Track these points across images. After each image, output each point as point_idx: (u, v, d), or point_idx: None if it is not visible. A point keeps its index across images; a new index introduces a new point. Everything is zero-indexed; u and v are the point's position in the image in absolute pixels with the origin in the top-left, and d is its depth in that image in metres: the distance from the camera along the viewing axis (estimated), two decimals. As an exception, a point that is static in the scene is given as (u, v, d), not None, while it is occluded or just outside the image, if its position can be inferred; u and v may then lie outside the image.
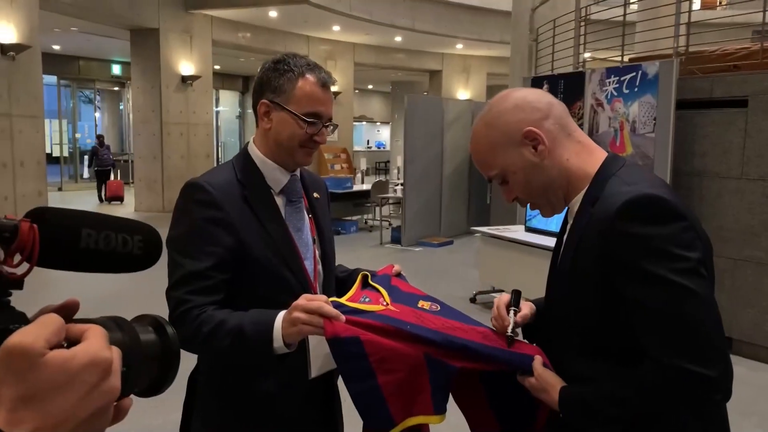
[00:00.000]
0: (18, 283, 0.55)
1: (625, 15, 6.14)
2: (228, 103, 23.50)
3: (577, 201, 1.27)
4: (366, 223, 11.81)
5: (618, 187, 1.18)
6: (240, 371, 1.54)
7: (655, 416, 1.17)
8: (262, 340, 1.33)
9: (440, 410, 1.31)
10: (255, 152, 1.58)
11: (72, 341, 0.51)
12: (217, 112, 22.51)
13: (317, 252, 1.63)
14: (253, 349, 1.35)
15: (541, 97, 1.28)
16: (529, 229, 5.96)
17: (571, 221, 1.29)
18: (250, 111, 23.22)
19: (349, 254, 8.75)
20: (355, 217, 11.33)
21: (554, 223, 5.67)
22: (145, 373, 0.61)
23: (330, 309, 1.28)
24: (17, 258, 0.54)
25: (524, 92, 1.30)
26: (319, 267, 1.63)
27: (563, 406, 1.23)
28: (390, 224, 10.90)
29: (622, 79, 5.42)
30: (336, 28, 15.22)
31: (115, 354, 0.53)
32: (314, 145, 1.56)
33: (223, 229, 1.45)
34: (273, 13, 13.70)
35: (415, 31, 15.26)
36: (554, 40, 7.34)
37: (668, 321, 1.10)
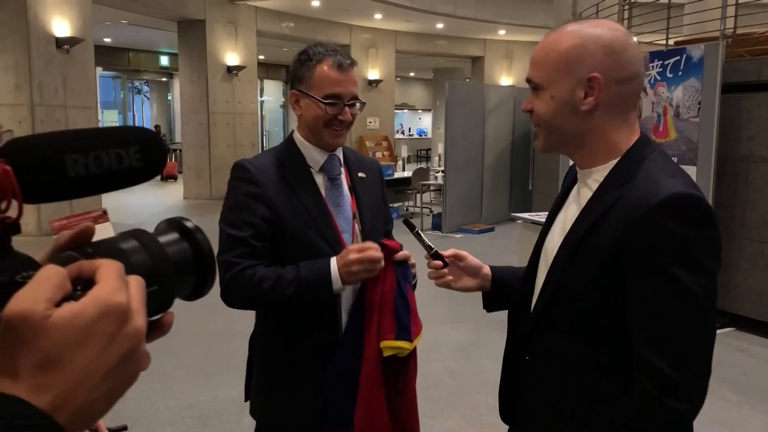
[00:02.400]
0: (15, 226, 0.51)
1: (670, -2, 6.04)
2: (272, 93, 23.81)
3: (598, 171, 1.23)
4: (407, 210, 11.89)
5: (657, 176, 1.14)
6: (278, 333, 1.73)
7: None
8: (321, 283, 1.55)
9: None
10: (297, 137, 1.77)
11: (86, 281, 0.49)
12: (262, 102, 22.84)
13: (357, 227, 1.77)
14: (313, 291, 1.56)
15: (635, 64, 1.19)
16: (570, 215, 5.95)
17: (590, 193, 1.23)
18: (293, 100, 23.45)
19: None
20: (396, 204, 11.42)
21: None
22: (182, 283, 0.58)
23: (379, 255, 1.55)
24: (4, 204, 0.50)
25: (629, 46, 1.19)
26: (358, 240, 1.75)
27: None
28: (431, 211, 10.96)
29: (666, 63, 5.35)
30: (378, 16, 15.26)
31: (134, 288, 0.50)
32: (340, 125, 1.70)
33: (260, 202, 1.63)
34: (315, 3, 13.82)
35: (456, 17, 15.18)
36: (597, 24, 7.25)
37: (669, 325, 1.09)
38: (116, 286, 0.48)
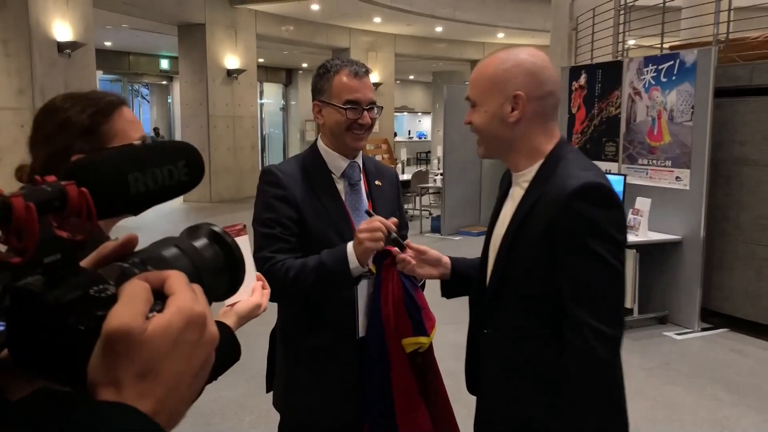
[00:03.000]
0: (84, 244, 0.54)
1: (664, 3, 6.11)
2: (272, 96, 23.87)
3: (527, 173, 1.49)
4: (406, 212, 11.92)
5: (572, 170, 1.39)
6: (298, 325, 1.85)
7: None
8: (340, 265, 1.66)
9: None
10: (321, 145, 1.90)
11: (156, 291, 0.52)
12: (262, 105, 22.91)
13: None
14: (334, 275, 1.67)
15: (551, 84, 1.46)
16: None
17: (522, 192, 1.48)
18: (293, 103, 23.58)
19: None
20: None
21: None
22: (218, 285, 0.62)
23: (385, 222, 1.65)
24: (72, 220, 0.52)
25: (545, 68, 1.46)
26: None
27: None
28: (430, 213, 11.03)
29: (660, 67, 5.42)
30: (377, 19, 15.36)
31: (200, 295, 0.53)
32: (360, 128, 1.83)
33: (286, 204, 1.77)
34: (315, 7, 13.90)
35: (455, 21, 15.28)
36: (594, 29, 7.33)
37: (592, 288, 1.34)
38: (192, 296, 0.52)
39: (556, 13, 9.31)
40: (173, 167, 0.61)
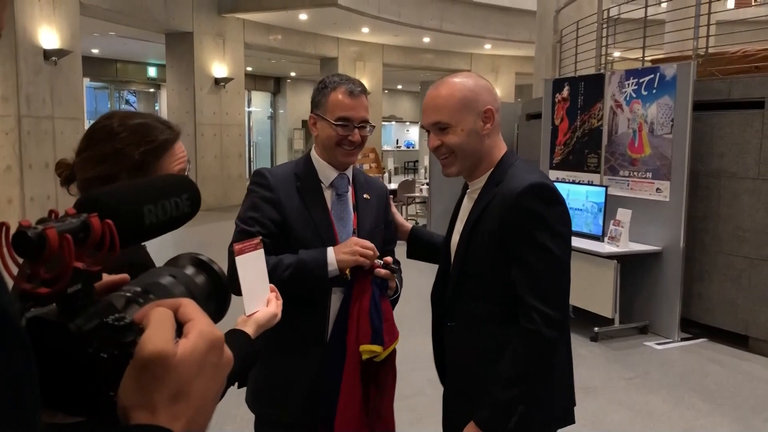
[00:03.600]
0: (99, 275, 0.56)
1: (646, 17, 6.22)
2: (260, 104, 23.88)
3: (480, 180, 1.69)
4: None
5: (520, 174, 1.61)
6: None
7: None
8: (319, 265, 1.75)
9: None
10: (314, 154, 1.99)
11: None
12: (250, 113, 22.90)
13: None
14: (310, 273, 1.75)
15: (499, 100, 1.71)
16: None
17: (475, 196, 1.69)
18: (282, 111, 23.60)
19: (375, 252, 8.93)
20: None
21: (577, 222, 5.80)
22: (208, 310, 0.63)
23: (372, 252, 1.78)
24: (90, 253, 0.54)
25: (495, 89, 1.72)
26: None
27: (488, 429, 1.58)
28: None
29: (640, 81, 5.51)
30: (365, 29, 15.43)
31: (212, 322, 0.56)
32: (350, 145, 1.91)
33: (272, 206, 1.84)
34: (303, 16, 13.96)
35: (442, 32, 15.38)
36: (578, 41, 7.43)
37: (541, 277, 1.54)
38: (209, 321, 0.55)
39: (540, 25, 9.42)
40: (179, 199, 0.65)
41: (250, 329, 1.43)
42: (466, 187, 1.80)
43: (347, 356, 1.81)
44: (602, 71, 6.45)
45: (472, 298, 1.66)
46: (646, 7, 6.26)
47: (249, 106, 22.57)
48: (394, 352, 1.92)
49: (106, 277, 0.60)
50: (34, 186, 8.96)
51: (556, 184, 6.08)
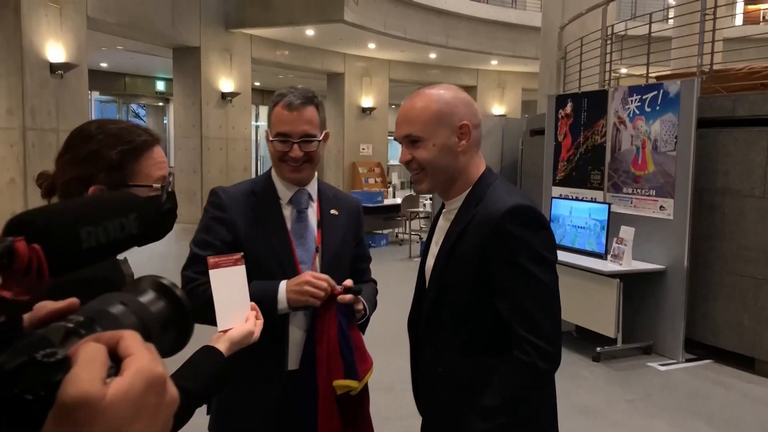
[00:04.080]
0: (28, 305, 0.52)
1: (650, 33, 6.17)
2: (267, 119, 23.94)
3: (458, 200, 1.57)
4: (396, 236, 11.93)
5: (501, 195, 1.49)
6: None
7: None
8: (268, 302, 1.64)
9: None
10: (273, 170, 1.89)
11: (109, 352, 0.49)
12: (257, 127, 22.97)
13: (318, 261, 1.85)
14: (260, 308, 1.61)
15: (480, 115, 1.60)
16: (552, 246, 6.00)
17: (451, 216, 1.57)
18: (288, 126, 23.61)
19: (378, 266, 8.78)
20: (386, 231, 11.47)
21: (580, 240, 5.71)
22: (165, 340, 0.60)
23: (331, 283, 1.67)
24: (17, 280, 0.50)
25: (475, 103, 1.61)
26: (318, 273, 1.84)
27: None
28: (420, 238, 10.99)
29: (644, 97, 5.45)
30: (371, 45, 15.47)
31: (157, 354, 0.51)
32: (293, 161, 1.78)
33: (224, 226, 1.76)
34: (310, 32, 14.01)
35: (449, 48, 15.40)
36: (581, 57, 7.40)
37: (529, 307, 1.42)
38: (150, 356, 0.49)
39: (544, 41, 9.40)
40: (125, 220, 0.59)
41: (222, 346, 1.39)
42: (442, 207, 1.68)
43: (320, 390, 1.71)
44: (606, 88, 6.40)
45: (448, 325, 1.55)
46: (650, 23, 6.21)
47: (257, 121, 22.66)
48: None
49: (52, 304, 0.55)
50: (37, 199, 8.90)
51: (559, 200, 5.99)
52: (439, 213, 1.69)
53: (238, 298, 1.51)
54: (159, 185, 1.28)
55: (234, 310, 1.49)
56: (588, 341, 5.39)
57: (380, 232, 11.27)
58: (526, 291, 1.42)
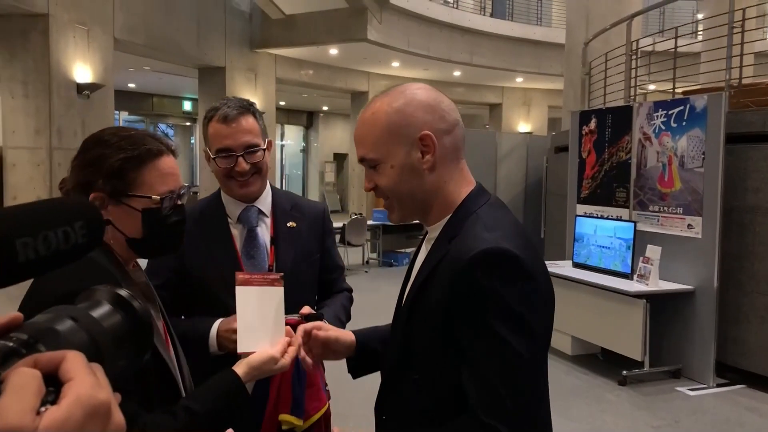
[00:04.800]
0: None
1: (675, 48, 6.04)
2: (293, 137, 24.16)
3: (438, 227, 1.24)
4: (420, 255, 11.82)
5: (477, 231, 1.15)
6: None
7: None
8: (200, 343, 1.53)
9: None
10: (221, 189, 1.78)
11: (48, 375, 0.44)
12: (282, 146, 23.16)
13: None
14: (192, 349, 1.49)
15: (453, 112, 1.24)
16: (576, 265, 5.86)
17: (428, 248, 1.25)
18: (316, 144, 23.80)
19: (399, 286, 8.77)
20: (408, 250, 11.36)
21: (605, 259, 5.57)
22: (120, 356, 0.56)
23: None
24: None
25: (441, 97, 1.23)
26: None
27: None
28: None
29: (669, 112, 5.31)
30: (395, 64, 15.50)
31: (102, 378, 0.46)
32: (240, 176, 1.68)
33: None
34: (333, 51, 14.10)
35: (473, 65, 15.36)
36: (606, 73, 7.27)
37: (491, 377, 1.07)
38: (93, 381, 0.45)
39: (568, 57, 9.29)
40: (69, 229, 0.54)
41: (240, 370, 1.32)
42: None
43: (264, 421, 1.61)
44: (630, 103, 6.26)
45: (409, 385, 1.22)
46: (676, 38, 6.08)
47: (282, 140, 22.85)
48: (327, 414, 1.73)
49: None
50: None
51: (583, 219, 5.83)
52: (424, 238, 1.35)
53: (266, 321, 1.41)
54: (159, 197, 1.23)
55: (259, 333, 1.39)
56: (613, 364, 5.21)
57: (402, 251, 11.18)
58: (490, 359, 1.07)
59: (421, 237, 1.35)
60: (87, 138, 1.28)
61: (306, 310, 1.53)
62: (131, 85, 16.97)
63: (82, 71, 9.36)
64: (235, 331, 1.47)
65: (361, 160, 1.24)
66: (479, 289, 1.08)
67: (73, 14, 9.22)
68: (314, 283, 1.82)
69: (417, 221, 1.31)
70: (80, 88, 9.28)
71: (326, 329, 1.45)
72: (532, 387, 1.10)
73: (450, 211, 1.23)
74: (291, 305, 1.53)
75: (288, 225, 1.78)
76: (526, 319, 1.08)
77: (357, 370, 1.49)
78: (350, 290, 1.94)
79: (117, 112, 12.06)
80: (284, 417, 1.60)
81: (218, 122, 1.66)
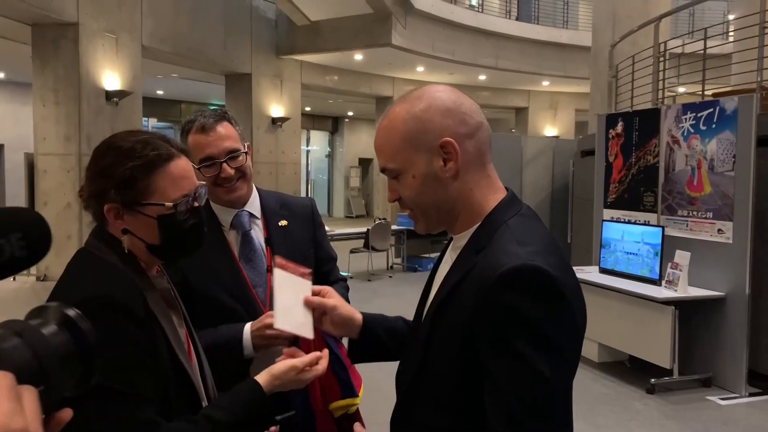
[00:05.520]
0: None
1: (705, 50, 5.92)
2: (318, 143, 24.27)
3: (464, 236, 1.17)
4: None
5: (507, 244, 1.07)
6: None
7: None
8: (233, 348, 1.56)
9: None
10: (209, 199, 1.77)
11: None
12: (308, 151, 23.28)
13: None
14: (225, 355, 1.52)
15: (475, 114, 1.16)
16: (603, 271, 5.77)
17: (453, 258, 1.17)
18: (341, 150, 23.88)
19: (424, 292, 8.75)
20: (433, 255, 11.31)
21: (632, 265, 5.46)
22: (66, 375, 0.55)
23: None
24: None
25: (461, 99, 1.16)
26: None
27: None
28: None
29: (699, 115, 5.20)
30: (420, 68, 15.50)
31: (29, 403, 0.45)
32: (227, 182, 1.70)
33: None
34: (358, 57, 14.14)
35: (498, 69, 15.28)
36: (633, 76, 7.16)
37: (514, 402, 1.01)
38: (10, 408, 0.43)
39: (595, 60, 9.18)
40: (4, 241, 0.52)
41: (261, 378, 1.30)
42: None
43: (318, 421, 1.58)
44: (658, 106, 6.15)
45: (427, 403, 1.16)
46: (706, 39, 5.96)
47: (307, 145, 22.97)
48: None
49: None
50: (91, 223, 9.22)
51: (610, 223, 5.74)
52: (448, 244, 1.28)
53: (299, 306, 1.41)
54: (172, 203, 1.22)
55: (294, 314, 1.40)
56: (641, 372, 5.11)
57: (427, 256, 11.13)
58: (514, 383, 1.01)
59: (446, 242, 1.30)
60: (98, 145, 1.26)
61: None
62: (159, 92, 17.22)
63: (111, 79, 9.52)
64: (267, 327, 1.50)
65: (383, 170, 1.19)
66: (507, 308, 1.01)
67: (102, 23, 9.39)
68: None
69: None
70: (109, 96, 9.44)
71: (332, 295, 1.43)
72: (557, 414, 1.04)
73: (477, 220, 1.15)
74: None
75: (279, 224, 1.82)
76: (554, 342, 1.02)
77: (356, 354, 1.47)
78: (345, 279, 1.96)
79: (145, 118, 12.23)
80: (336, 404, 1.57)
81: (197, 133, 1.70)
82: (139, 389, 1.12)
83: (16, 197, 14.38)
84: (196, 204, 1.27)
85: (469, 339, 1.06)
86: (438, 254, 1.35)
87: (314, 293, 1.42)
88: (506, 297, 1.01)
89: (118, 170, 1.19)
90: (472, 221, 1.16)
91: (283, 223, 1.82)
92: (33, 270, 9.23)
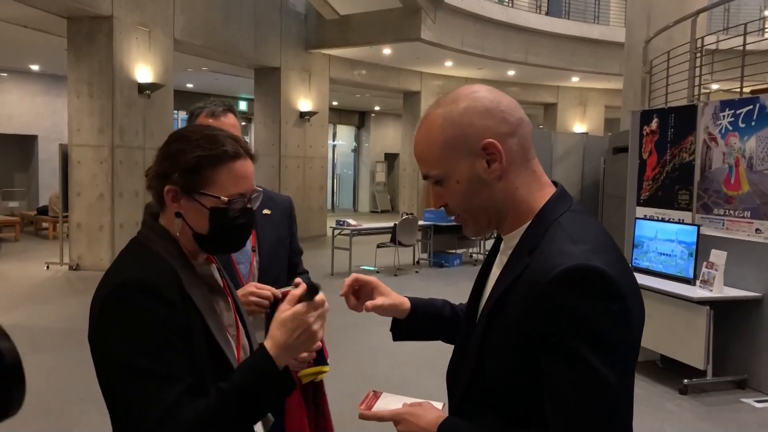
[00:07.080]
0: None
1: (744, 45, 5.79)
2: (345, 137, 24.32)
3: (514, 236, 1.14)
4: (471, 256, 11.72)
5: (561, 243, 1.04)
6: None
7: None
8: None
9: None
10: None
11: None
12: (334, 146, 23.34)
13: (255, 259, 2.00)
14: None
15: (515, 110, 1.13)
16: (635, 269, 5.69)
17: (505, 258, 1.15)
18: (366, 145, 23.89)
19: (451, 287, 8.73)
20: (459, 251, 11.29)
21: (666, 264, 5.39)
22: None
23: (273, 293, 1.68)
24: None
25: (499, 97, 1.13)
26: (255, 271, 1.99)
27: None
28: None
29: (737, 112, 5.10)
30: (448, 63, 15.43)
31: None
32: None
33: None
34: (387, 51, 14.12)
35: (528, 64, 15.14)
36: (668, 72, 7.04)
37: (572, 405, 0.99)
38: None
39: (628, 56, 9.04)
40: None
41: (268, 343, 1.21)
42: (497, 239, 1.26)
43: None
44: (695, 103, 6.05)
45: (482, 409, 1.13)
46: (745, 34, 5.84)
47: (334, 140, 23.03)
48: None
49: None
50: (123, 213, 9.37)
51: (643, 221, 5.65)
52: (498, 243, 1.25)
53: None
54: (228, 198, 1.25)
55: None
56: (674, 372, 5.04)
57: (453, 251, 11.10)
58: (575, 388, 0.98)
59: (494, 238, 1.28)
60: (172, 132, 1.35)
61: (298, 281, 1.47)
62: (189, 85, 17.38)
63: (144, 72, 9.64)
64: (250, 293, 1.69)
65: (425, 177, 1.17)
66: (564, 310, 0.99)
67: (136, 16, 9.51)
68: (286, 262, 2.10)
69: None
70: (141, 88, 9.56)
71: (377, 284, 1.44)
72: (619, 418, 1.01)
73: (527, 219, 1.13)
74: (270, 280, 1.81)
75: (264, 212, 2.01)
76: (615, 344, 0.99)
77: (401, 333, 1.45)
78: (308, 272, 2.17)
79: (176, 111, 12.36)
80: (304, 372, 1.70)
81: (206, 117, 1.84)
82: (166, 368, 1.13)
83: (50, 188, 14.65)
84: (249, 205, 1.31)
85: (524, 343, 1.04)
86: (465, 250, 1.33)
87: (362, 284, 1.41)
88: (563, 299, 0.98)
89: (185, 156, 1.25)
90: (522, 220, 1.13)
91: (268, 212, 2.04)
92: (66, 259, 9.40)
